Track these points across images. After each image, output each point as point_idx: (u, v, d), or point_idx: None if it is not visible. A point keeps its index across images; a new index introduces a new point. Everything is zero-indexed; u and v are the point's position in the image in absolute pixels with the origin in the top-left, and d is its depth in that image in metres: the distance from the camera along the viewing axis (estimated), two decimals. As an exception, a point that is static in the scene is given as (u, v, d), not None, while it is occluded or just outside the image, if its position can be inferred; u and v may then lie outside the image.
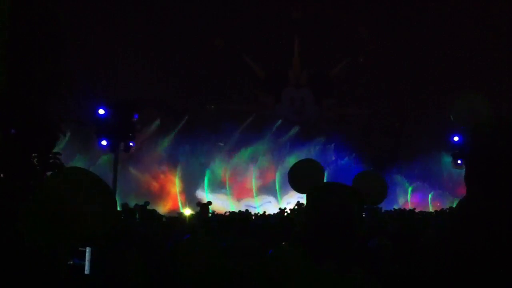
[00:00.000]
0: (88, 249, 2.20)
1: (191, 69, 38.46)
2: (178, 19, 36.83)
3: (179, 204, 32.83)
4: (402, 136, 38.50)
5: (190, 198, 32.74)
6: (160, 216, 11.91)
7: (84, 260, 2.22)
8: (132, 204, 16.99)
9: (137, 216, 11.22)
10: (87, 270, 2.19)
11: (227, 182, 35.05)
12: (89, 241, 2.24)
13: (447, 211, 19.59)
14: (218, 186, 34.96)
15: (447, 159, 31.33)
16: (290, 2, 40.30)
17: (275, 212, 21.96)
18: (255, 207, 30.82)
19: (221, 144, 34.97)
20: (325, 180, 2.86)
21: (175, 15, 36.72)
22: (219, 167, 34.95)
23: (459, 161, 25.10)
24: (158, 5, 36.38)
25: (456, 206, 2.00)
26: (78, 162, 28.56)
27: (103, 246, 2.26)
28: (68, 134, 21.86)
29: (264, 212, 23.99)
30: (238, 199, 34.78)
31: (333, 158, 34.78)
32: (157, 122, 33.65)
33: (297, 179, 2.95)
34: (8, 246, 2.22)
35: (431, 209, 28.84)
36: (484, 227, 1.74)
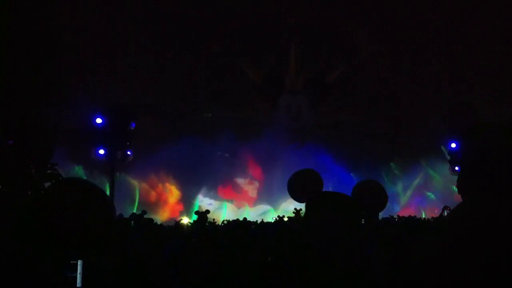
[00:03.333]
0: (79, 262, 2.20)
1: (187, 76, 38.44)
2: (174, 25, 36.86)
3: (178, 212, 32.75)
4: (398, 142, 38.48)
5: (188, 206, 32.69)
6: (157, 225, 11.88)
7: (76, 273, 2.22)
8: (129, 212, 16.95)
9: (132, 224, 11.18)
10: (78, 283, 2.19)
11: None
12: (86, 249, 2.26)
13: (444, 217, 19.57)
14: (216, 194, 34.90)
15: (444, 166, 31.36)
16: (286, 8, 40.36)
17: (272, 218, 21.92)
18: (253, 216, 30.73)
19: (226, 155, 34.92)
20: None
21: (171, 21, 36.76)
22: (217, 175, 34.90)
23: (456, 168, 25.09)
24: (154, 11, 36.42)
25: (451, 212, 2.01)
26: (76, 171, 28.51)
27: (95, 257, 2.28)
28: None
29: (262, 220, 23.92)
30: (237, 207, 34.70)
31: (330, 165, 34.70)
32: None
33: (295, 190, 2.95)
34: (6, 255, 2.23)
35: (424, 216, 28.85)
36: (479, 232, 1.75)
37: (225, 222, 19.08)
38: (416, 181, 36.38)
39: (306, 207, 2.62)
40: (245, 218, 20.22)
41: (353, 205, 2.53)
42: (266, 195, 35.01)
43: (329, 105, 39.92)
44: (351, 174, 34.71)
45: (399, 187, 36.46)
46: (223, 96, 38.94)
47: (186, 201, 33.69)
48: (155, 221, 12.49)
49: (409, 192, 36.51)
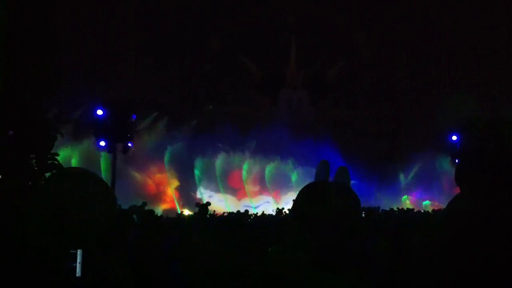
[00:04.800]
0: (79, 251, 2.20)
1: (188, 70, 38.44)
2: (175, 21, 36.81)
3: (177, 204, 32.82)
4: (399, 137, 38.49)
5: (188, 198, 32.75)
6: (158, 217, 11.89)
7: (75, 263, 2.22)
8: (129, 204, 16.96)
9: (134, 217, 11.19)
10: (78, 273, 2.19)
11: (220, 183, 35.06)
12: (88, 241, 2.26)
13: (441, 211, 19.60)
14: (217, 186, 34.98)
15: (445, 159, 31.39)
16: (286, 4, 40.28)
17: (273, 211, 22.01)
18: (252, 207, 30.82)
19: (226, 147, 35.05)
20: None
21: (172, 16, 36.71)
22: (218, 167, 34.97)
23: (457, 161, 25.08)
24: (155, 7, 36.36)
25: (448, 206, 2.00)
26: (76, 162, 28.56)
27: (95, 248, 2.27)
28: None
29: (263, 212, 24.02)
30: (238, 199, 34.80)
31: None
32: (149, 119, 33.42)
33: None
34: (6, 247, 2.23)
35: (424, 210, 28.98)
36: (477, 227, 1.75)
37: (226, 214, 19.18)
38: (417, 176, 36.42)
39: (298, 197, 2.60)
40: (246, 210, 20.28)
41: (333, 188, 2.51)
42: (267, 188, 35.09)
43: (329, 101, 39.93)
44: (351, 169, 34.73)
45: (400, 181, 36.54)
46: (223, 91, 38.97)
47: (186, 193, 33.76)
48: (156, 213, 12.51)
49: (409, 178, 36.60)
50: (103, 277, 2.24)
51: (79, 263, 2.14)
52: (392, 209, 19.87)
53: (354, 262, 2.39)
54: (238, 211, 18.76)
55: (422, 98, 37.46)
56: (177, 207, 31.74)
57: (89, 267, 2.17)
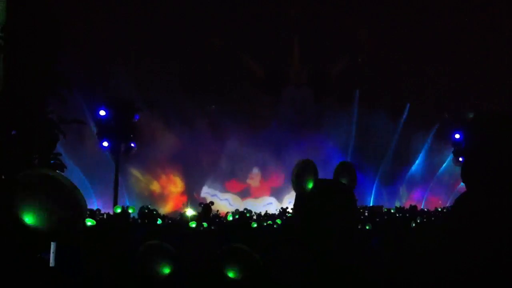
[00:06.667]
0: (52, 243, 2.18)
1: (190, 69, 38.33)
2: (177, 19, 36.77)
3: (182, 204, 32.79)
4: (402, 134, 38.38)
5: (192, 198, 32.72)
6: (161, 217, 11.91)
7: (49, 253, 2.21)
8: (133, 205, 16.96)
9: (135, 217, 11.22)
10: (52, 263, 2.18)
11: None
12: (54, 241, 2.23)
13: (446, 209, 19.58)
14: (221, 186, 34.93)
15: (448, 157, 31.37)
16: (289, 1, 40.21)
17: (276, 210, 22.01)
18: (256, 207, 30.76)
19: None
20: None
21: (174, 15, 36.68)
22: (222, 167, 34.94)
23: (460, 159, 25.05)
24: (157, 5, 36.37)
25: (453, 205, 1.98)
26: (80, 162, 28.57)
27: (95, 247, 2.27)
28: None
29: (266, 211, 23.97)
30: (241, 199, 34.74)
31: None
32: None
33: (296, 181, 2.91)
34: (6, 247, 2.22)
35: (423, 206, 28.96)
36: (479, 226, 1.74)
37: (229, 213, 19.19)
38: (421, 173, 36.37)
39: (296, 197, 2.60)
40: (245, 209, 20.22)
41: (335, 185, 2.50)
42: (270, 187, 35.05)
43: (333, 97, 39.75)
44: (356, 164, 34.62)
45: (403, 178, 36.49)
46: (226, 89, 38.82)
47: (190, 193, 33.71)
48: (159, 213, 12.53)
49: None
50: (101, 275, 2.24)
51: (53, 253, 2.13)
52: (395, 207, 19.88)
53: (359, 257, 2.38)
54: (237, 209, 18.77)
55: (424, 95, 37.40)
56: (182, 207, 31.74)
57: (88, 265, 2.17)
